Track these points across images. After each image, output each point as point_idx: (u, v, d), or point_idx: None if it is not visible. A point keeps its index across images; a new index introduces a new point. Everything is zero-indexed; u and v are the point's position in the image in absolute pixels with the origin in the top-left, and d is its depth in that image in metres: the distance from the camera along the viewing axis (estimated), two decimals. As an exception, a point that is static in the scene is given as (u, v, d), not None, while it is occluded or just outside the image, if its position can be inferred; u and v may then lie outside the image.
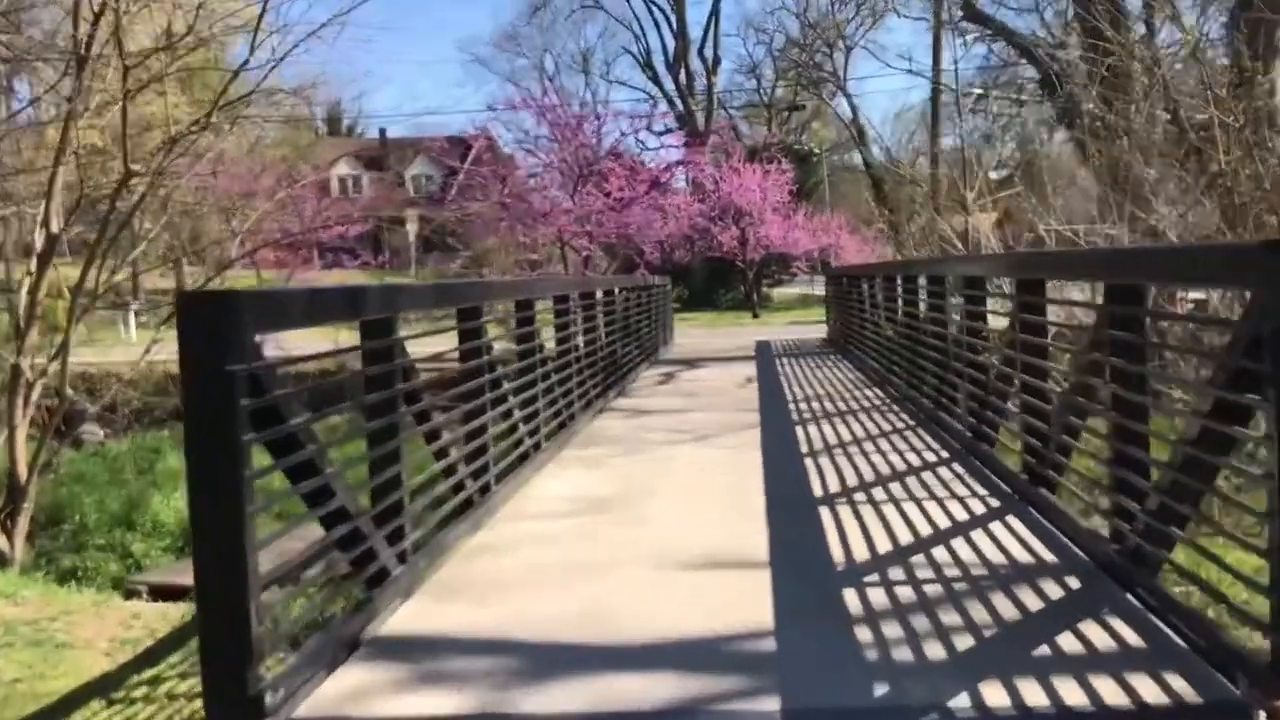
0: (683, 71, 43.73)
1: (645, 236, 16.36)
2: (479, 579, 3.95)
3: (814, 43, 48.97)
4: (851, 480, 5.43)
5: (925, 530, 4.35)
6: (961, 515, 4.60)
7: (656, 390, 10.47)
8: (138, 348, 17.38)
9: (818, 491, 5.21)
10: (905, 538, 4.24)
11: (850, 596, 3.50)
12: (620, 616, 3.41)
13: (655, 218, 18.36)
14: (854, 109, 50.37)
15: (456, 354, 5.11)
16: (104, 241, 9.81)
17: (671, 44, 44.36)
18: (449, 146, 27.91)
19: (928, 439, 6.59)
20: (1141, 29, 15.47)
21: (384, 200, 37.55)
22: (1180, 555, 3.32)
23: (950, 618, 3.25)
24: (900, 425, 7.28)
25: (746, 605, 3.44)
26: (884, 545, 4.14)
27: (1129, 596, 3.34)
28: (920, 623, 3.22)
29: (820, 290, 39.30)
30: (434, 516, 4.36)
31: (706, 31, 44.00)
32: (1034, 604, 3.37)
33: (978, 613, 3.29)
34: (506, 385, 5.67)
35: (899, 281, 9.55)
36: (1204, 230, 10.40)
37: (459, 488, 4.70)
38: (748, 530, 4.45)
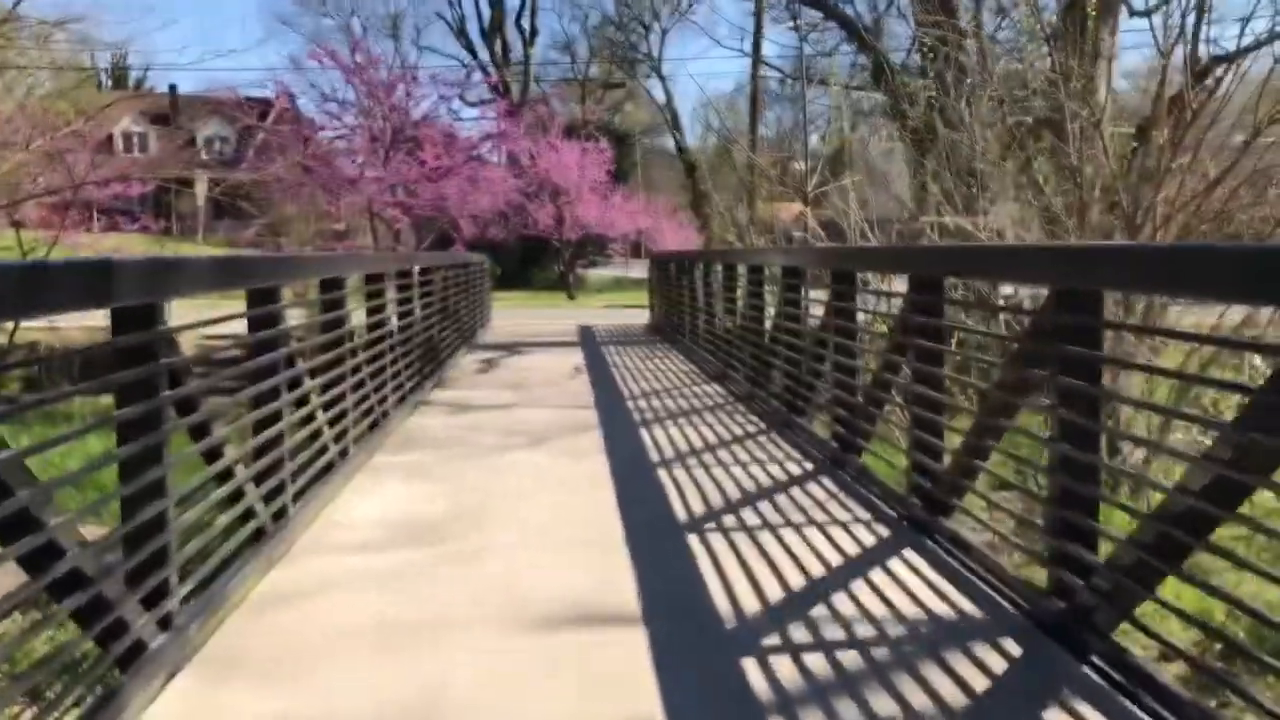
0: (499, 41, 42.37)
1: (462, 210, 15.32)
2: (269, 644, 3.04)
3: (629, 22, 48.63)
4: (715, 499, 4.76)
5: (815, 567, 3.72)
6: (850, 547, 4.00)
7: (479, 381, 9.57)
8: None
9: (680, 514, 4.51)
10: (795, 579, 3.59)
11: (752, 672, 2.80)
12: (463, 709, 2.60)
13: (471, 191, 17.35)
14: (668, 92, 50.49)
15: (233, 348, 4.13)
16: None
17: (487, 12, 42.90)
18: (246, 105, 25.83)
19: (786, 447, 6.01)
20: (976, 19, 15.54)
21: (171, 159, 34.65)
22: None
23: (881, 701, 2.61)
24: (751, 429, 6.69)
25: (625, 688, 2.70)
26: (773, 590, 3.48)
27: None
28: (846, 710, 2.56)
29: (635, 274, 39.14)
30: (212, 553, 3.41)
31: (524, 1, 42.77)
32: (978, 680, 2.76)
33: (910, 690, 2.66)
34: (309, 382, 4.70)
35: (743, 271, 9.02)
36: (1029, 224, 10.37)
37: (247, 515, 3.74)
38: (610, 568, 3.71)
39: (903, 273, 4.78)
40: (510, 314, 19.55)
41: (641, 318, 18.44)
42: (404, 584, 3.58)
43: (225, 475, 3.56)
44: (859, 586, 3.49)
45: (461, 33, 42.88)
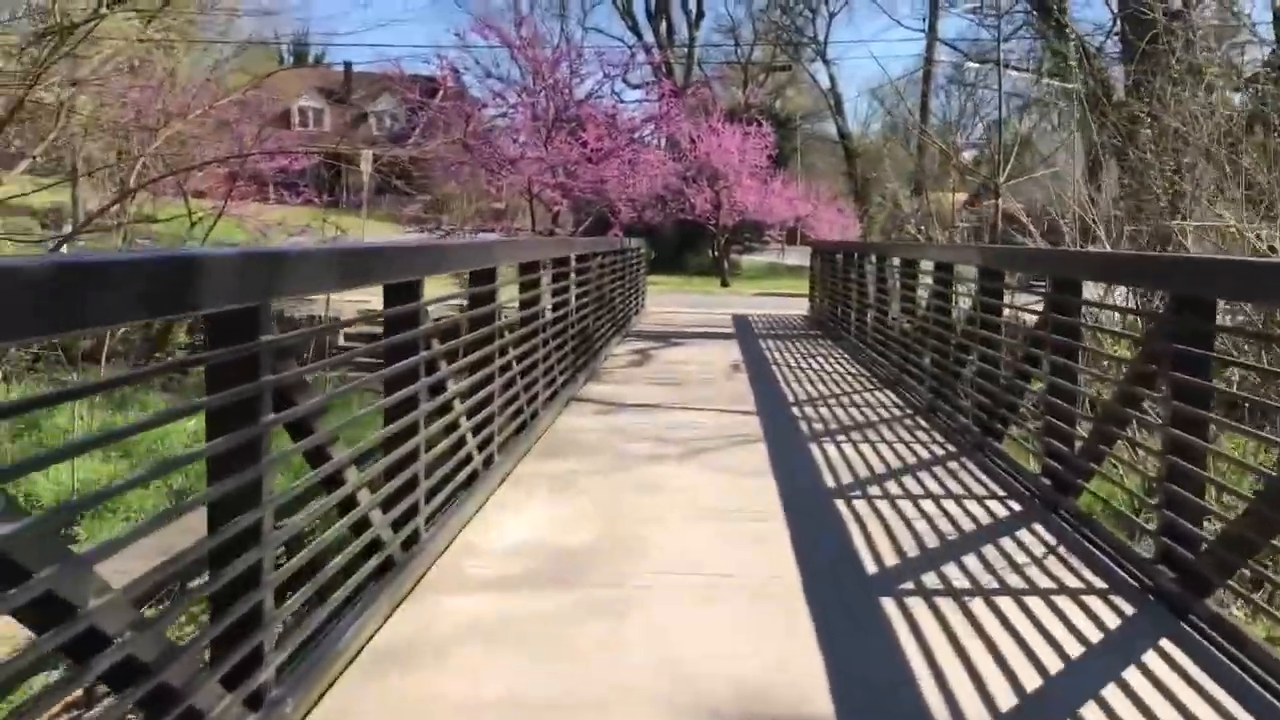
0: (664, 23, 41.87)
1: (621, 193, 14.83)
2: (382, 721, 2.51)
3: (796, 5, 47.50)
4: (909, 546, 4.02)
5: (1051, 660, 2.97)
6: (1088, 628, 3.23)
7: (633, 375, 9.01)
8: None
9: (869, 565, 3.80)
10: (1028, 677, 2.85)
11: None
12: None
13: (630, 174, 16.81)
14: (832, 77, 49.15)
15: (358, 355, 3.63)
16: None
17: (656, -8, 42.42)
18: (414, 82, 26.03)
19: (984, 478, 5.21)
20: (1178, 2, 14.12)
21: (342, 135, 35.47)
22: None
23: None
24: (938, 451, 5.90)
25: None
26: (1004, 695, 2.75)
27: None
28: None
29: (790, 261, 38.22)
30: (327, 596, 2.92)
31: (692, -18, 42.10)
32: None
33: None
34: (454, 386, 4.20)
35: (927, 268, 8.18)
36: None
37: (373, 546, 3.25)
38: (788, 638, 3.05)
39: (1164, 289, 3.94)
40: (664, 300, 19.01)
41: (799, 308, 17.64)
42: (541, 642, 3.01)
43: (348, 503, 3.06)
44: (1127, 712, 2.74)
45: (628, 13, 42.57)
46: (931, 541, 4.10)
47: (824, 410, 7.23)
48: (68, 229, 18.19)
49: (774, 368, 9.67)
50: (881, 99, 49.08)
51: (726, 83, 45.20)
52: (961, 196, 35.68)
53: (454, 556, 3.79)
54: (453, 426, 4.26)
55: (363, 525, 3.17)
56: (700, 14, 42.06)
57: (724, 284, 31.56)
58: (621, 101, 15.56)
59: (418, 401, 3.64)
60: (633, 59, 32.72)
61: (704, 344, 11.77)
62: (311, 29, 54.30)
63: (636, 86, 34.92)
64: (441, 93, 17.17)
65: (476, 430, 4.58)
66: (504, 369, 5.15)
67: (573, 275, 7.66)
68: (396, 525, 3.45)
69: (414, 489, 3.61)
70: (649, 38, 41.07)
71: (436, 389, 3.97)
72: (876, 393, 8.13)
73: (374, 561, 3.25)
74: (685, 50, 41.38)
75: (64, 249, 18.90)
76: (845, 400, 7.72)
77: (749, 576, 3.64)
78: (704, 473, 5.24)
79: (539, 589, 3.48)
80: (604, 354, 9.58)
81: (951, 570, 3.73)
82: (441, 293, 4.36)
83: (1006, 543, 4.10)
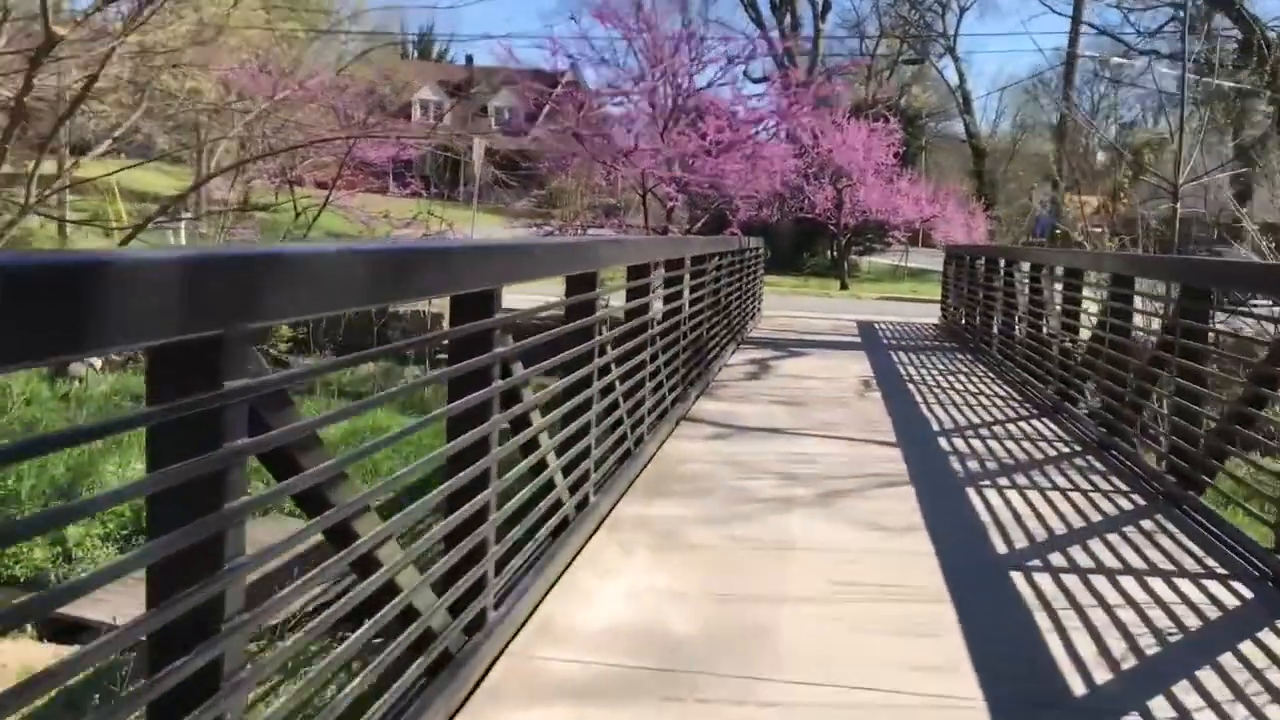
0: (788, 16, 40.68)
1: (740, 190, 13.91)
2: None
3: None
4: (1118, 651, 3.07)
5: None
6: None
7: (750, 390, 8.12)
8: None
9: (1078, 689, 2.85)
10: None
11: None
12: None
13: (749, 170, 15.84)
14: (961, 73, 47.24)
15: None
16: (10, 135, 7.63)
17: (781, -18, 41.22)
18: (536, 77, 25.42)
19: (1190, 544, 4.18)
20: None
21: (459, 128, 35.37)
22: None
23: None
24: (1125, 504, 4.87)
25: None
26: None
27: None
28: None
29: (914, 264, 36.59)
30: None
31: (819, -27, 40.79)
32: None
33: None
34: (537, 420, 3.40)
35: (1096, 280, 7.11)
36: None
37: (424, 640, 2.46)
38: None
39: None
40: (780, 303, 18.00)
41: (928, 316, 16.45)
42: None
43: (391, 587, 2.28)
44: None
45: (751, 5, 41.47)
46: (1147, 643, 3.12)
47: (976, 443, 6.22)
48: (187, 214, 18.15)
49: (910, 385, 8.66)
50: (1030, 92, 47.09)
51: (850, 79, 43.76)
52: (1091, 200, 33.73)
53: (528, 639, 2.99)
54: (538, 467, 3.47)
55: (410, 615, 2.39)
56: (827, 6, 40.75)
57: (843, 286, 30.29)
58: (741, 94, 14.62)
59: (489, 445, 2.85)
60: (755, 49, 31.73)
61: (828, 354, 10.80)
62: (435, 23, 54.93)
63: (757, 81, 33.94)
64: (559, 86, 16.54)
65: (569, 468, 3.78)
66: (605, 390, 4.35)
67: (687, 278, 6.81)
68: (455, 608, 2.66)
69: (482, 554, 2.81)
70: (772, 31, 39.90)
71: (519, 423, 3.18)
72: (1034, 422, 7.07)
73: (423, 661, 2.47)
74: (809, 45, 40.09)
75: (178, 235, 18.92)
76: (999, 430, 6.69)
77: (913, 695, 2.74)
78: (842, 527, 4.33)
79: (634, 699, 2.65)
80: (718, 365, 8.71)
81: (1191, 701, 2.76)
82: (523, 299, 3.56)
83: (1250, 649, 3.10)
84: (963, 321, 13.13)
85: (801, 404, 7.47)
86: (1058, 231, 34.05)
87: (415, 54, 55.81)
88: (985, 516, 4.54)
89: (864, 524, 4.37)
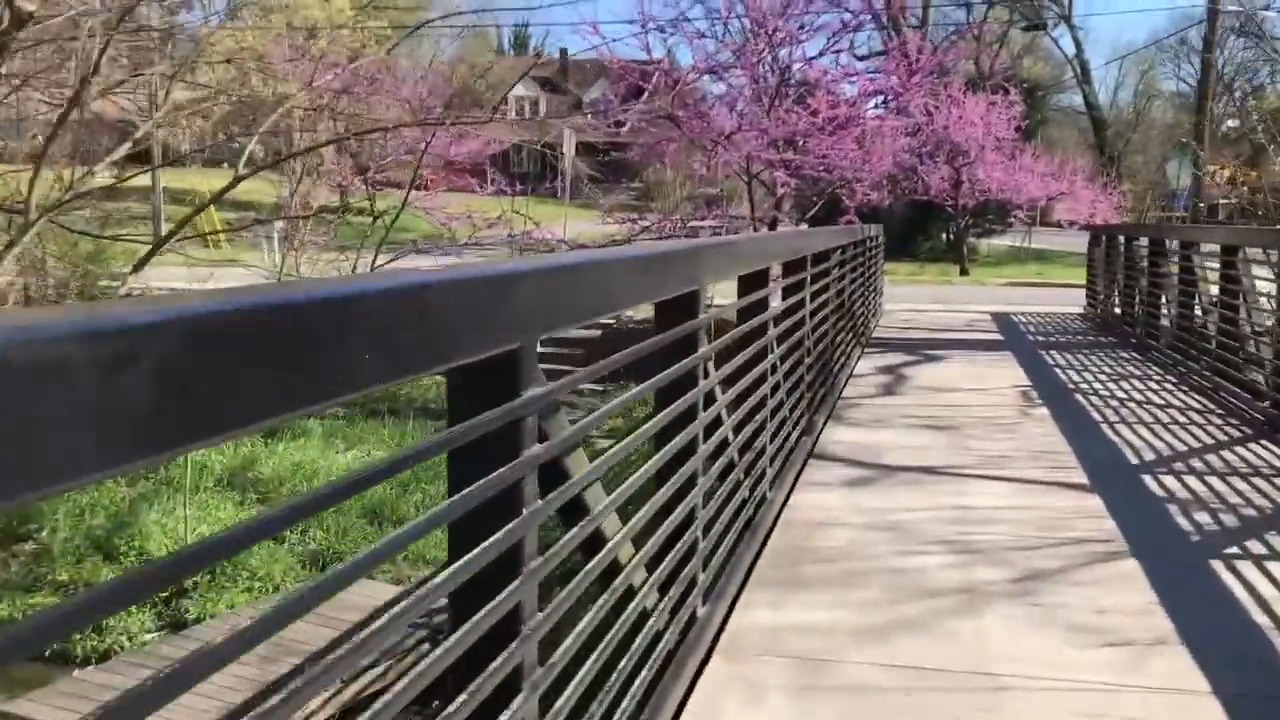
0: (895, -14, 38.65)
1: (855, 171, 12.49)
2: None
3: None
4: None
5: None
6: None
7: (884, 409, 6.78)
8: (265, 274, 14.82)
9: None
10: None
11: None
12: None
13: (862, 150, 14.32)
14: (1078, 42, 44.57)
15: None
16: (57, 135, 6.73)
17: (886, -46, 39.23)
18: (632, 66, 24.09)
19: None
20: None
21: (544, 122, 34.50)
22: None
23: None
24: None
25: None
26: None
27: None
28: None
29: (1037, 245, 34.29)
30: None
31: (927, -57, 38.71)
32: None
33: None
34: (600, 498, 2.20)
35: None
36: None
37: None
38: None
39: None
40: (898, 293, 16.46)
41: (1067, 304, 14.77)
42: None
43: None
44: None
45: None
46: None
47: (1194, 483, 4.80)
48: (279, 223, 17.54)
49: (1078, 397, 7.20)
50: (1156, 56, 44.25)
51: (961, 51, 41.48)
52: (1223, 169, 31.08)
53: None
54: (612, 570, 2.27)
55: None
56: (935, -26, 38.68)
57: (963, 272, 28.45)
58: (852, 67, 13.15)
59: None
60: (861, 21, 30.01)
61: (969, 356, 9.37)
62: (530, 18, 54.56)
63: (862, 58, 32.13)
64: (656, 76, 15.27)
65: (665, 586, 2.57)
66: (718, 447, 3.12)
67: (808, 279, 5.53)
68: None
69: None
70: (878, 3, 37.96)
71: (572, 510, 1.99)
72: (1252, 446, 5.59)
73: None
74: (918, 18, 38.08)
75: (271, 244, 18.35)
76: (1214, 461, 5.25)
77: None
78: (1058, 640, 3.02)
79: None
80: (844, 376, 7.41)
81: None
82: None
83: None
84: (1118, 311, 11.51)
85: (953, 427, 6.12)
86: (1200, 205, 31.55)
87: (511, 51, 55.55)
88: (1258, 615, 3.18)
89: (1088, 632, 3.06)
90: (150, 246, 8.19)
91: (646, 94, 11.76)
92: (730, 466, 3.45)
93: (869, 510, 4.34)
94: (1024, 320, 12.99)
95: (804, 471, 4.90)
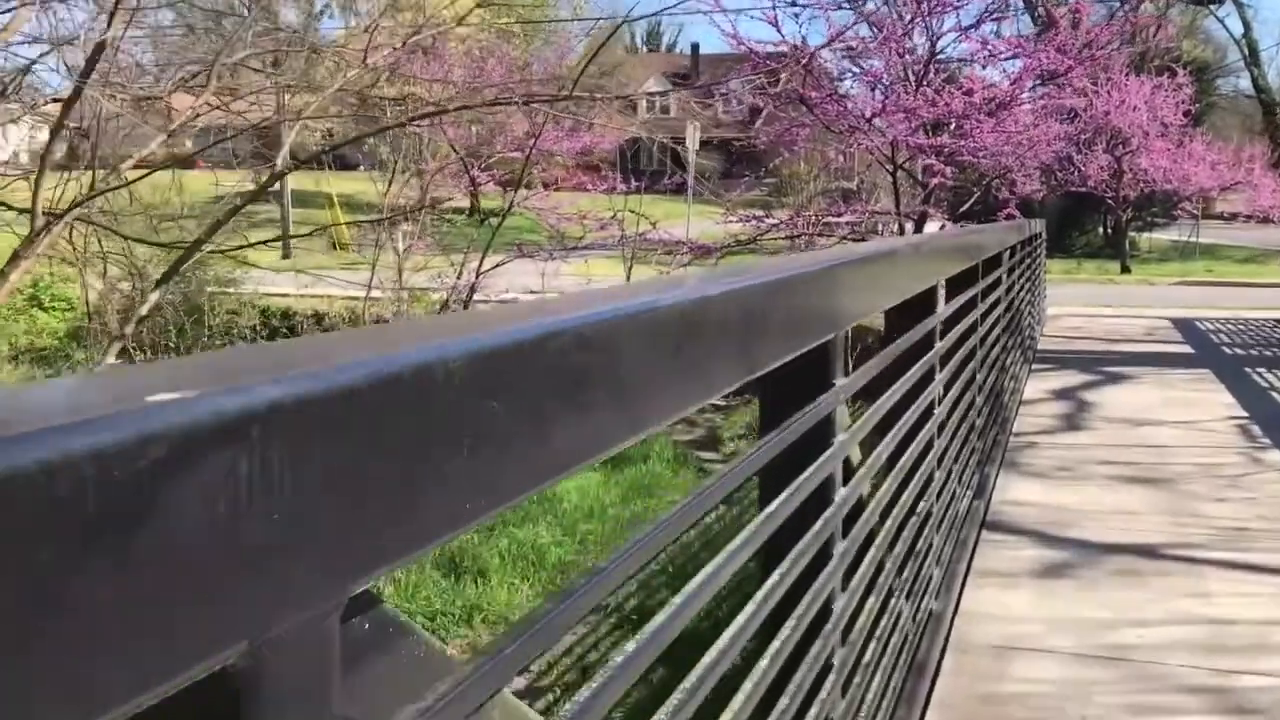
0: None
1: (1025, 160, 10.98)
2: None
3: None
4: None
5: None
6: None
7: (1070, 452, 5.42)
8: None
9: None
10: None
11: None
12: None
13: (1019, 137, 12.69)
14: (1245, 22, 41.02)
15: None
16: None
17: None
18: (766, 60, 22.68)
19: None
20: None
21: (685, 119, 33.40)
22: None
23: None
24: None
25: None
26: None
27: None
28: None
29: (1206, 239, 31.42)
30: None
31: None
32: None
33: None
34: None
35: None
36: None
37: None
38: None
39: None
40: (1056, 294, 14.75)
41: (1246, 302, 12.89)
42: None
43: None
44: None
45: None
46: None
47: None
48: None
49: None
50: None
51: (1115, 29, 38.64)
52: None
53: None
54: None
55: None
56: (1089, -50, 36.05)
57: (1124, 269, 26.17)
58: (1015, 43, 11.58)
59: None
60: (1006, 7, 27.97)
61: (1159, 375, 7.85)
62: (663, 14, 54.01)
63: (1005, 48, 30.00)
64: (789, 68, 13.93)
65: None
66: (851, 514, 1.95)
67: (979, 290, 4.26)
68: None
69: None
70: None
71: None
72: None
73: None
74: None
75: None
76: None
77: None
78: None
79: None
80: (1014, 406, 6.08)
81: None
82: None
83: None
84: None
85: (1164, 480, 4.75)
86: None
87: (644, 48, 55.06)
88: None
89: None
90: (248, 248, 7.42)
91: (781, 82, 10.53)
92: (877, 570, 2.28)
93: (1075, 624, 3.08)
94: (1213, 328, 11.25)
95: (976, 552, 3.67)
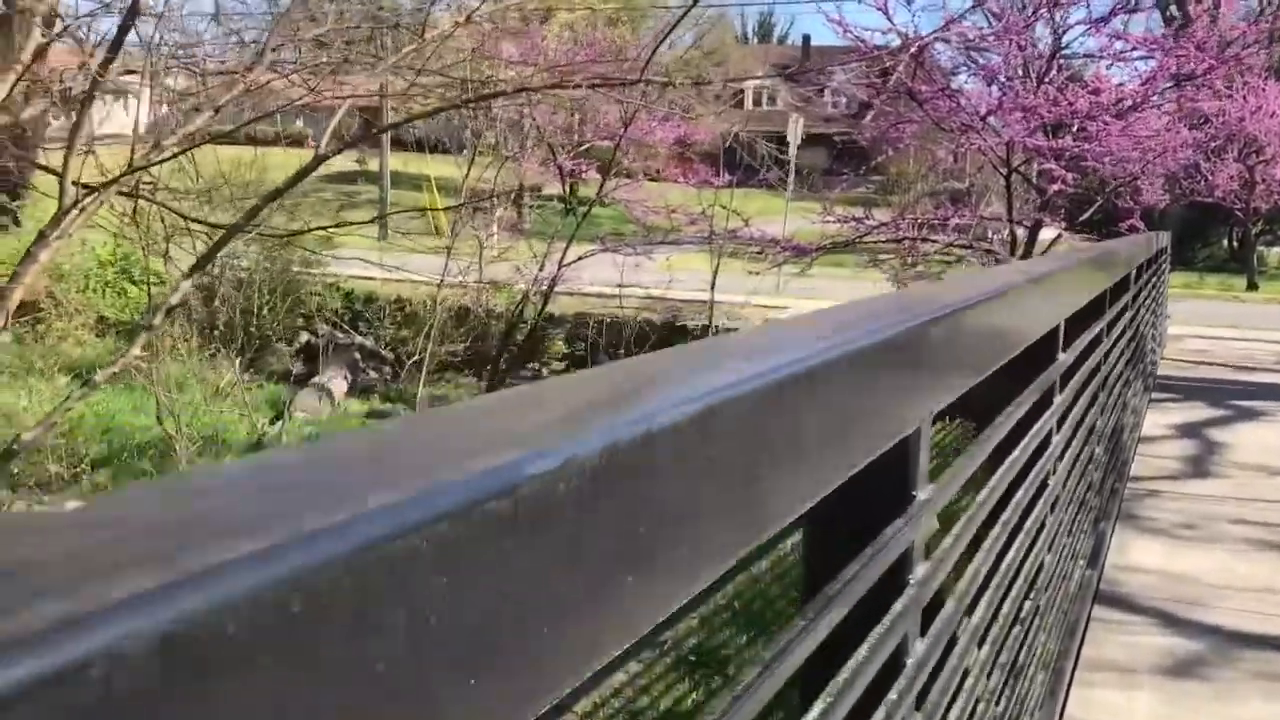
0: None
1: (1153, 166, 10.12)
2: None
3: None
4: None
5: None
6: None
7: (1198, 504, 4.75)
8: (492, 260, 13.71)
9: None
10: None
11: None
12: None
13: (1143, 144, 11.73)
14: None
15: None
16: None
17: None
18: (875, 51, 21.72)
19: None
20: None
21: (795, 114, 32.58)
22: None
23: None
24: None
25: None
26: None
27: None
28: None
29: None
30: None
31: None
32: None
33: None
34: None
35: None
36: None
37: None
38: None
39: None
40: (1179, 310, 13.74)
41: None
42: None
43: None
44: None
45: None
46: None
47: None
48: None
49: None
50: None
51: (1261, 32, 36.49)
52: None
53: None
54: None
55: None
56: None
57: (1251, 286, 24.64)
58: (1150, 39, 10.64)
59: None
60: (1134, 5, 26.54)
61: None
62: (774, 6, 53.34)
63: (1131, 47, 28.49)
64: (903, 61, 13.12)
65: None
66: (927, 612, 1.45)
67: (1105, 323, 3.66)
68: None
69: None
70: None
71: None
72: None
73: None
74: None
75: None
76: None
77: None
78: None
79: None
80: (1132, 445, 5.41)
81: None
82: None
83: None
84: None
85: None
86: None
87: (755, 39, 54.54)
88: None
89: None
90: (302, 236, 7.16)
91: (888, 73, 9.88)
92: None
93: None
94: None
95: (1086, 636, 3.09)
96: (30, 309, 11.66)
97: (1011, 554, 1.86)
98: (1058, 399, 2.39)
